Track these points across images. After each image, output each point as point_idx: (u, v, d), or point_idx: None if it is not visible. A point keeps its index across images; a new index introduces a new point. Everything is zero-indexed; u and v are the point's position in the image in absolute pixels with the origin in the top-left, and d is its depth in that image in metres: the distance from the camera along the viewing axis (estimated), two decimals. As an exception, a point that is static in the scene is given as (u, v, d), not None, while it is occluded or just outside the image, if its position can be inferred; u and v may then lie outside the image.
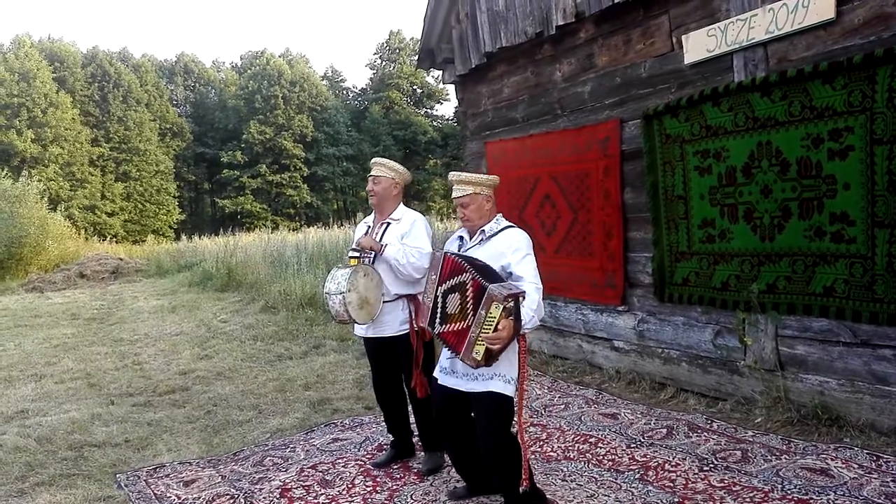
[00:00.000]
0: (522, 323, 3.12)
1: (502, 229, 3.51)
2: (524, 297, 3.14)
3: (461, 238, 3.66)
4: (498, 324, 3.04)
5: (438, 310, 3.34)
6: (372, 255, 4.12)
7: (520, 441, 3.28)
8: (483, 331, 3.08)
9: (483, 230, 3.51)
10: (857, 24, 4.08)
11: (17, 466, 4.68)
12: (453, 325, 3.26)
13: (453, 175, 3.62)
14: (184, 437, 5.24)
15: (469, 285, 3.19)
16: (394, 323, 4.13)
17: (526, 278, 3.31)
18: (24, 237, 21.08)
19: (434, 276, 3.40)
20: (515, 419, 3.33)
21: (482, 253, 3.41)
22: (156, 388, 6.76)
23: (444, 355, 3.53)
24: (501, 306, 3.04)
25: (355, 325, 4.23)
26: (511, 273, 3.34)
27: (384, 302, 4.09)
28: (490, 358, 3.15)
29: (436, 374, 3.60)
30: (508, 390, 3.29)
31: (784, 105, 4.40)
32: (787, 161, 4.43)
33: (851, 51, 4.06)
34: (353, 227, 17.68)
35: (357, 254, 4.11)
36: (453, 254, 3.41)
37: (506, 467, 3.30)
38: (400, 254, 4.02)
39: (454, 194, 3.57)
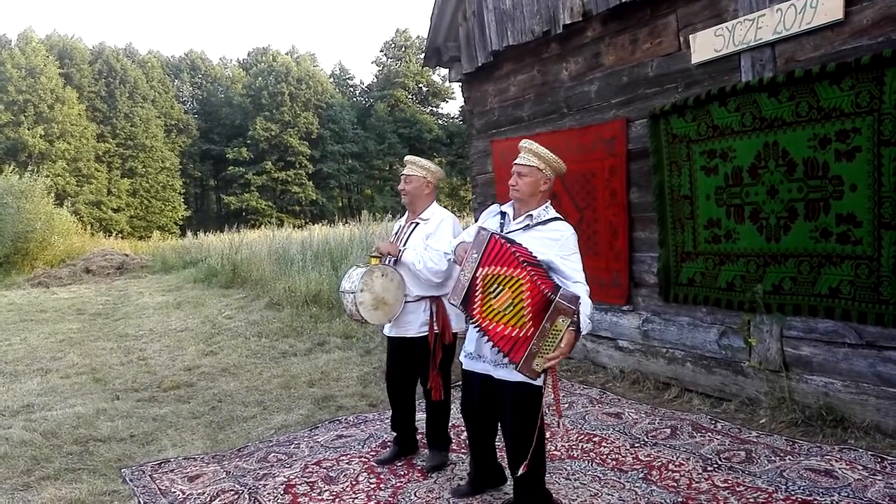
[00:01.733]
0: (581, 332, 3.06)
1: (550, 219, 3.37)
2: (580, 304, 3.04)
3: (503, 214, 3.51)
4: (562, 338, 2.95)
5: (478, 294, 3.16)
6: (393, 258, 4.13)
7: (538, 426, 3.24)
8: (546, 344, 2.97)
9: (531, 215, 3.36)
10: (865, 25, 4.07)
11: (23, 460, 4.69)
12: (506, 327, 3.07)
13: (526, 142, 3.46)
14: (188, 432, 5.26)
15: (526, 288, 3.00)
16: (415, 323, 4.12)
17: (574, 278, 3.19)
18: (31, 232, 21.16)
19: (476, 255, 3.19)
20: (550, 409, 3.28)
21: (526, 240, 3.26)
22: (161, 384, 6.78)
23: (470, 339, 3.46)
24: (569, 321, 2.94)
25: (380, 324, 4.23)
26: (552, 268, 3.21)
27: (407, 302, 4.09)
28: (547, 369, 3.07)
29: (461, 358, 3.54)
30: (537, 380, 3.23)
31: (791, 105, 4.39)
32: (794, 162, 4.42)
33: (860, 51, 4.05)
34: (359, 225, 17.71)
35: (379, 255, 4.12)
36: (501, 236, 3.22)
37: (526, 455, 3.24)
38: (416, 258, 4.01)
39: (518, 160, 3.41)
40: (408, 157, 4.34)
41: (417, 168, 4.24)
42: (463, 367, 3.55)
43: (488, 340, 3.19)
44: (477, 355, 3.43)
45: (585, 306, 3.08)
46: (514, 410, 3.29)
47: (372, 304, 3.96)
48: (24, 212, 21.16)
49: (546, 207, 3.43)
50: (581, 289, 3.14)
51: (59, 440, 5.12)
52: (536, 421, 3.24)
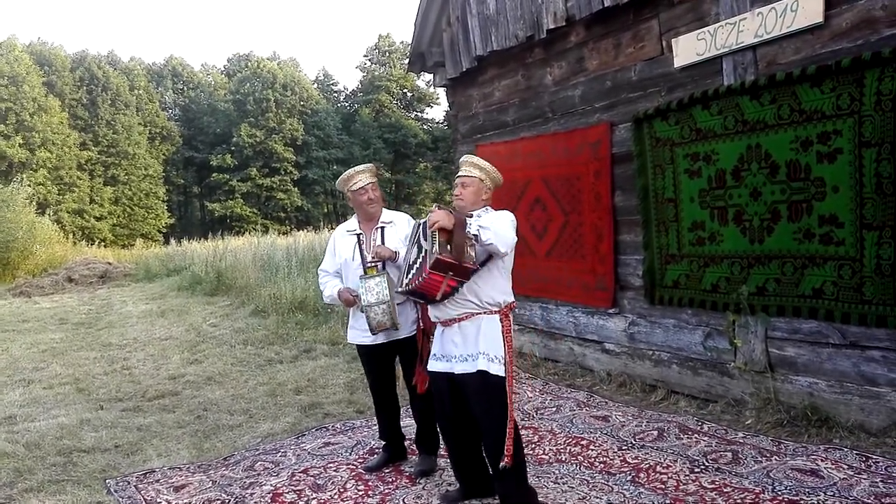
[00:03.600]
0: (468, 223, 3.19)
1: (487, 212, 3.56)
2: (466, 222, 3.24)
3: None
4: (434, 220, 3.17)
5: (406, 270, 3.55)
6: (382, 263, 4.12)
7: (509, 417, 3.28)
8: (431, 237, 3.21)
9: (470, 215, 3.49)
10: (845, 28, 4.11)
11: (6, 472, 4.63)
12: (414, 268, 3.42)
13: (466, 156, 3.67)
14: (174, 442, 5.21)
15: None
16: (406, 324, 4.14)
17: (495, 228, 3.27)
18: (12, 241, 20.93)
19: (407, 243, 3.60)
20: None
21: None
22: (145, 393, 6.72)
23: (435, 340, 3.59)
24: (434, 210, 3.23)
25: (349, 333, 4.28)
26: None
27: (398, 305, 4.10)
28: (456, 248, 3.16)
29: (428, 364, 3.61)
30: (494, 368, 3.30)
31: (773, 108, 4.43)
32: (777, 164, 4.46)
33: (840, 54, 4.10)
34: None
35: (376, 263, 4.11)
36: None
37: (498, 447, 3.28)
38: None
39: (460, 172, 3.62)
40: (364, 167, 4.28)
41: (375, 175, 4.29)
42: (428, 369, 3.61)
43: (416, 296, 3.43)
44: (441, 356, 3.52)
45: (485, 221, 3.27)
46: (481, 402, 3.34)
47: (393, 310, 3.98)
48: (6, 221, 20.93)
49: (486, 209, 3.61)
50: (494, 227, 3.26)
51: (43, 451, 5.06)
52: (506, 410, 3.29)
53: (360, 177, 4.22)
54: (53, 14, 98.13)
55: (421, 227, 3.49)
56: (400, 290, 3.57)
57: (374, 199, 4.22)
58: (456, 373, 3.40)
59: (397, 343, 4.18)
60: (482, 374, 3.30)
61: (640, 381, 5.73)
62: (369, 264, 4.11)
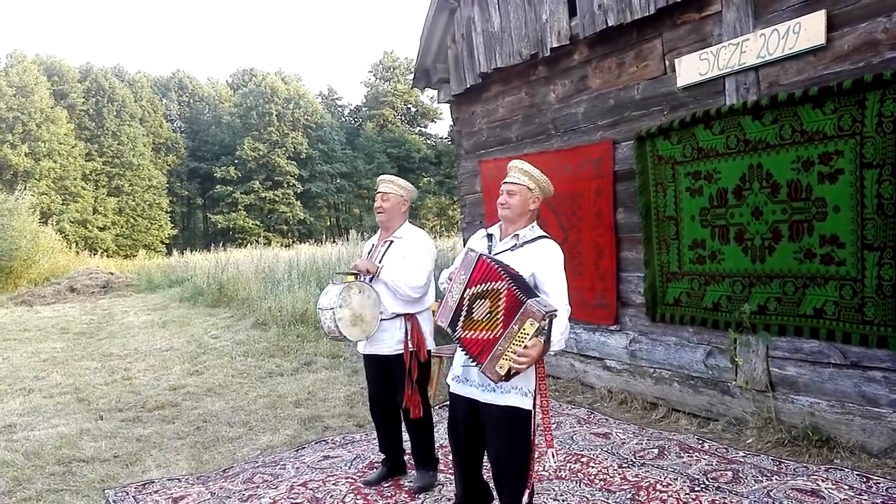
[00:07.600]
0: (551, 345, 3.01)
1: (537, 238, 3.33)
2: (555, 317, 3.01)
3: (490, 237, 3.48)
4: (528, 342, 2.89)
5: (463, 312, 3.14)
6: (370, 276, 4.12)
7: (533, 451, 3.16)
8: (513, 346, 2.92)
9: (517, 234, 3.34)
10: (847, 50, 4.15)
11: (4, 481, 4.63)
12: (478, 332, 3.05)
13: (517, 161, 3.44)
14: (173, 453, 5.20)
15: (503, 295, 2.99)
16: (391, 341, 4.12)
17: (556, 296, 3.15)
18: (15, 250, 20.98)
19: (463, 276, 3.18)
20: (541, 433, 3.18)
21: (513, 259, 3.22)
22: (145, 404, 6.72)
23: (458, 363, 3.40)
24: (537, 325, 2.89)
25: (358, 341, 4.21)
26: (536, 285, 3.18)
27: (382, 320, 4.09)
28: (510, 374, 2.99)
29: (448, 380, 3.47)
30: (526, 403, 3.15)
31: (775, 128, 4.46)
32: (778, 183, 4.48)
33: (841, 76, 4.13)
34: (346, 244, 17.68)
35: (355, 272, 4.12)
36: (488, 257, 3.19)
37: (517, 482, 3.16)
38: (396, 275, 4.02)
39: (507, 178, 3.40)
40: (385, 176, 4.34)
41: (395, 186, 4.27)
42: (450, 390, 3.50)
43: (461, 348, 3.15)
44: (464, 379, 3.35)
45: (560, 322, 3.05)
46: (502, 436, 3.19)
47: (350, 321, 3.95)
48: (9, 230, 21.00)
49: (532, 227, 3.40)
50: (562, 307, 3.12)
51: (42, 461, 5.06)
52: (528, 446, 3.16)
53: (379, 185, 4.29)
54: (62, 29, 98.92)
55: (506, 301, 2.97)
56: (442, 322, 3.27)
57: (380, 208, 4.24)
58: (480, 401, 3.24)
59: (388, 358, 4.17)
60: (513, 409, 3.14)
61: (641, 398, 5.72)
62: (347, 271, 4.14)
